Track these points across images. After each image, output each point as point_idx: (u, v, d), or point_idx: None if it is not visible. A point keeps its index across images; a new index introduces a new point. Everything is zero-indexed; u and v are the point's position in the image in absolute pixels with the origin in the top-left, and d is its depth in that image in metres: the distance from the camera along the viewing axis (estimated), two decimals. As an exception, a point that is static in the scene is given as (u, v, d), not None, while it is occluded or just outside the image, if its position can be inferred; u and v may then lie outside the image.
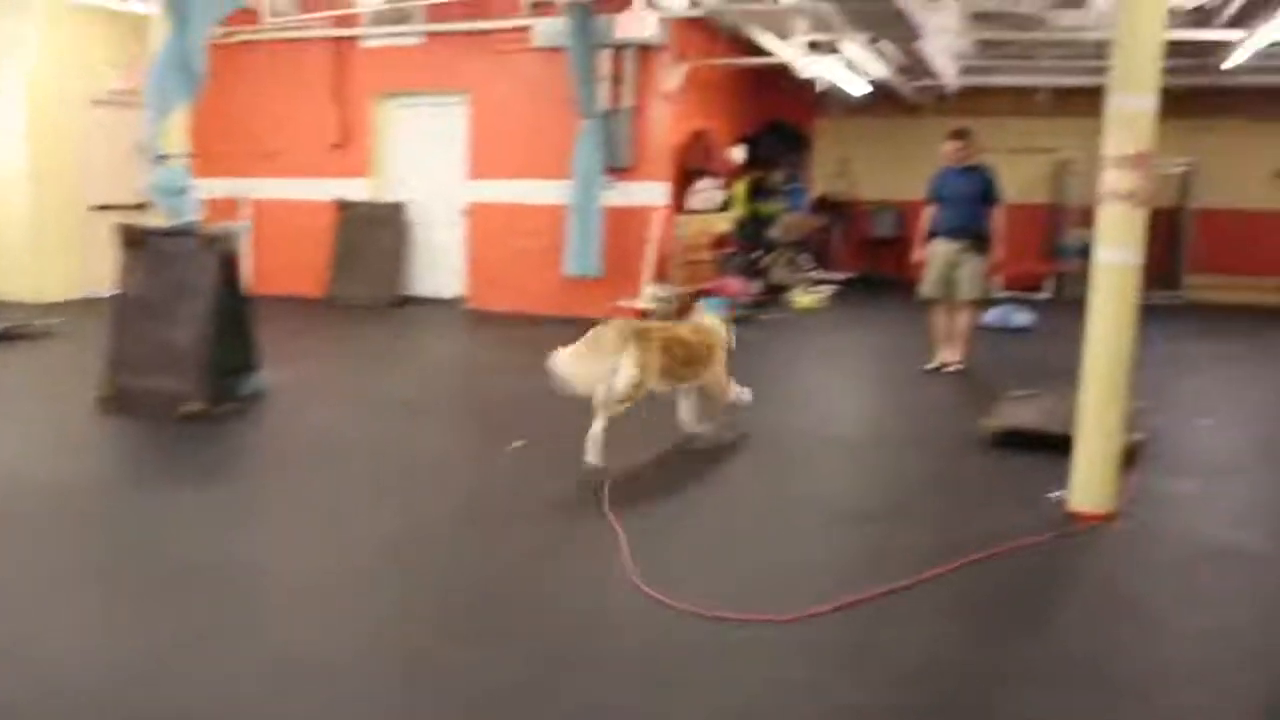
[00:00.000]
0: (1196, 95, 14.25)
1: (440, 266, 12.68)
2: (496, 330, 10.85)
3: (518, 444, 6.08)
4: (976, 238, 8.65)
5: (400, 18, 12.24)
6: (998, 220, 8.61)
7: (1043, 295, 15.63)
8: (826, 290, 14.13)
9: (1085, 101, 16.13)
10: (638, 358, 5.47)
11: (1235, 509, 5.42)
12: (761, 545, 4.74)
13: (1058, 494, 5.27)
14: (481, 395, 7.70)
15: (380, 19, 12.27)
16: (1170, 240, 15.56)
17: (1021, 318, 11.75)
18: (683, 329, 6.08)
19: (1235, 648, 3.79)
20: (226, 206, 12.85)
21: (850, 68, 13.05)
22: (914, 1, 8.92)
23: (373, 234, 12.53)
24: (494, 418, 7.02)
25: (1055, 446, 5.84)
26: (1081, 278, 15.74)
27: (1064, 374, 8.93)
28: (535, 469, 5.76)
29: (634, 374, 5.47)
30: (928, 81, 13.53)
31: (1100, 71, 15.25)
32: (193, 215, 6.80)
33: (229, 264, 6.71)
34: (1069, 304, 15.08)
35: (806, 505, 5.31)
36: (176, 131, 7.23)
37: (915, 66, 12.20)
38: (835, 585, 4.19)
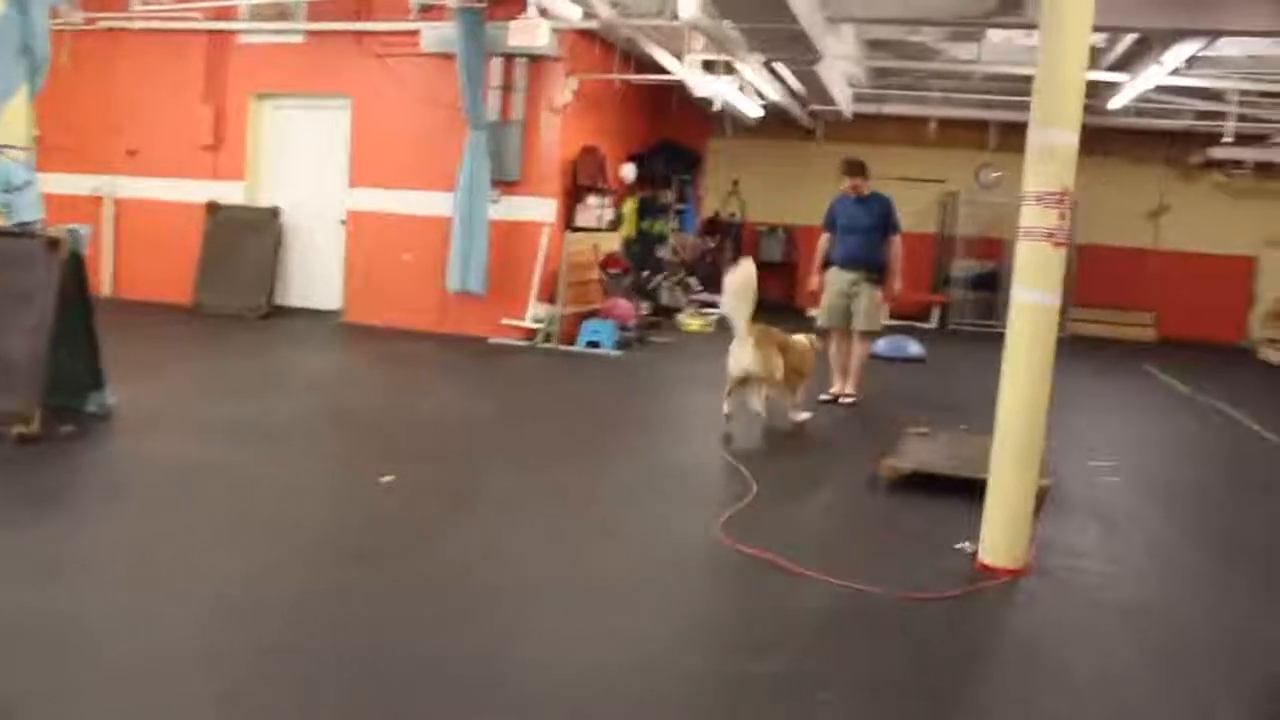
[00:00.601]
0: (1081, 134, 14.44)
1: (316, 276, 12.07)
2: (373, 346, 10.32)
3: (386, 479, 5.55)
4: (873, 268, 8.51)
5: (280, 14, 11.58)
6: (896, 249, 8.52)
7: (929, 325, 15.68)
8: (715, 314, 13.89)
9: (972, 134, 16.60)
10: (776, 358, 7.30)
11: (1138, 562, 5.19)
12: (636, 598, 4.31)
13: (967, 545, 4.97)
14: (354, 419, 7.14)
15: (259, 14, 11.58)
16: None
17: (914, 348, 11.74)
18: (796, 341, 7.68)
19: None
20: (87, 205, 12.02)
21: (745, 89, 12.87)
22: (815, 24, 8.64)
23: (245, 240, 11.82)
24: (366, 445, 6.48)
25: (962, 489, 5.73)
26: (967, 308, 16.09)
27: (960, 407, 9.18)
28: (406, 506, 5.24)
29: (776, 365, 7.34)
30: (822, 107, 13.37)
31: (989, 105, 15.65)
32: (32, 214, 6.12)
33: (72, 269, 6.03)
34: (954, 334, 15.94)
35: (698, 547, 4.90)
36: (17, 120, 6.53)
37: (810, 91, 12.00)
38: (718, 651, 3.78)
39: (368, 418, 7.16)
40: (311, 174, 12.00)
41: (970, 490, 5.70)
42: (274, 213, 11.88)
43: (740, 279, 7.35)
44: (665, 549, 4.89)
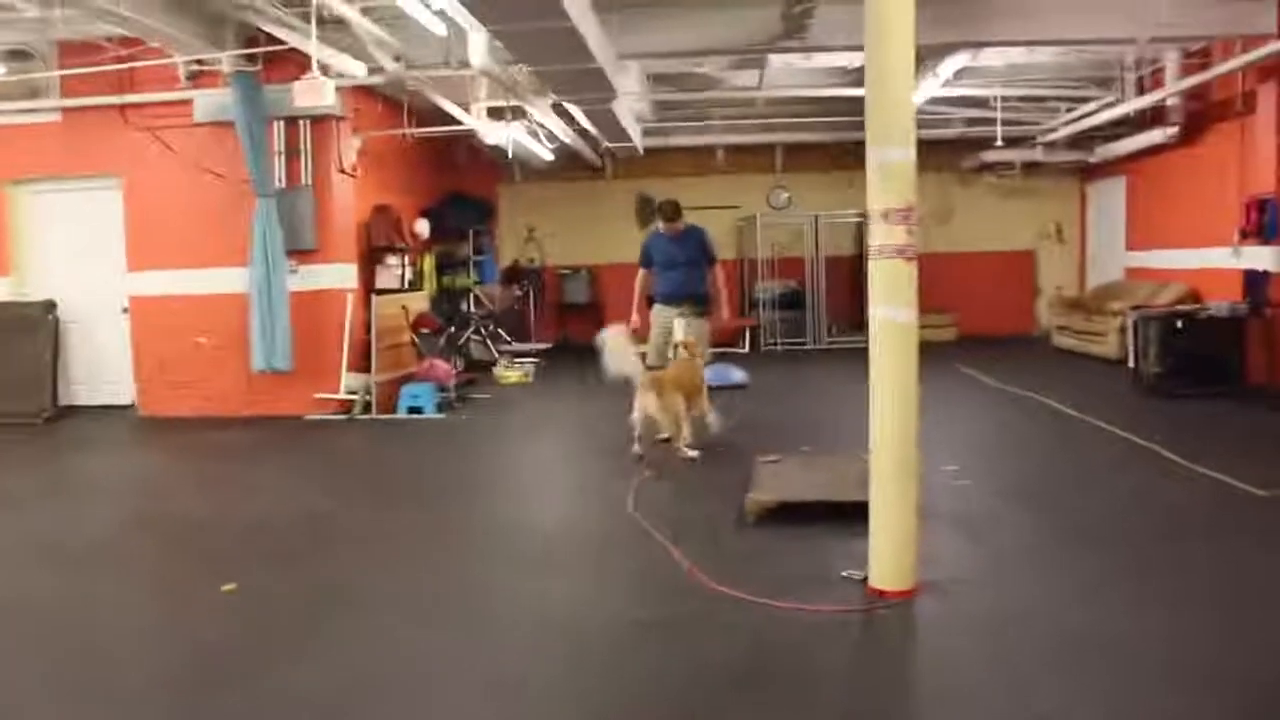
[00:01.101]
0: (859, 146, 14.90)
1: (103, 370, 11.25)
2: (177, 438, 9.67)
3: (227, 588, 5.05)
4: (696, 300, 8.50)
5: (30, 92, 10.71)
6: (719, 279, 8.61)
7: (742, 349, 15.89)
8: (529, 363, 13.73)
9: (760, 158, 16.94)
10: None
11: (1015, 568, 5.20)
12: (473, 664, 4.00)
13: (854, 573, 4.86)
14: (174, 525, 6.52)
15: (5, 93, 10.68)
16: (854, 285, 16.19)
17: (737, 374, 11.82)
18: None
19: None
20: None
21: (535, 133, 12.74)
22: (608, 62, 8.54)
23: (16, 339, 10.85)
24: (193, 554, 5.90)
25: (830, 513, 5.72)
26: (777, 328, 16.22)
27: (797, 429, 9.32)
28: (254, 619, 4.74)
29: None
30: (616, 144, 13.35)
31: (772, 129, 15.95)
32: None
33: None
34: (768, 355, 16.21)
35: (560, 611, 4.61)
36: None
37: (604, 128, 11.95)
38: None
39: (189, 522, 6.56)
40: (85, 261, 11.17)
41: (840, 513, 5.69)
42: (47, 307, 10.97)
43: (613, 345, 7.73)
44: (552, 628, 4.57)
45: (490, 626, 4.58)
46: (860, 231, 16.43)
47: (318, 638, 4.47)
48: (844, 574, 4.92)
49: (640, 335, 8.70)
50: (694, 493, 6.87)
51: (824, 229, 16.29)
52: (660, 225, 8.66)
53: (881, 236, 4.68)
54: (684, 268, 8.53)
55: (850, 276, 16.33)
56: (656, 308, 8.65)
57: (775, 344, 16.08)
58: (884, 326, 4.73)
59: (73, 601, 5.08)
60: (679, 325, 8.46)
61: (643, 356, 8.08)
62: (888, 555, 4.72)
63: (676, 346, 8.26)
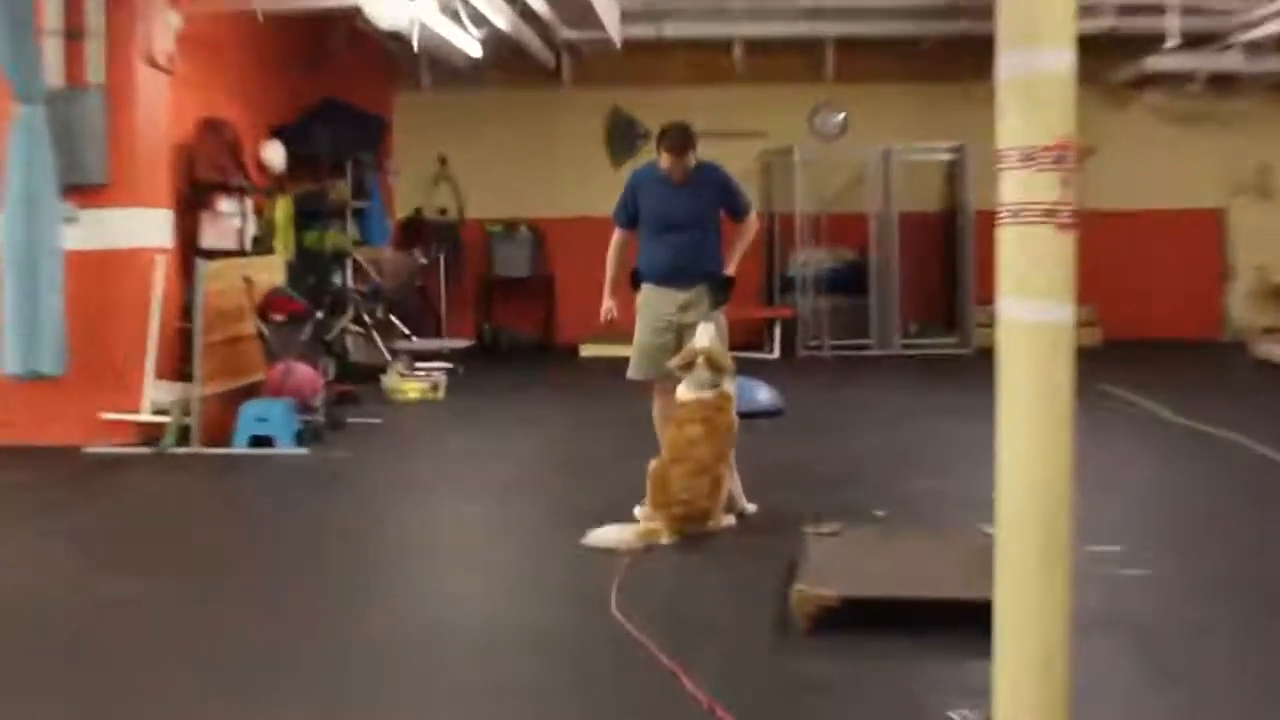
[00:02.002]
0: (955, 47, 14.84)
1: None
2: None
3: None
4: (713, 283, 8.34)
5: None
6: (749, 231, 8.53)
7: (767, 353, 15.89)
8: (439, 370, 13.72)
9: (800, 60, 16.86)
10: None
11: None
12: None
13: (968, 716, 4.82)
14: None
15: None
16: (945, 259, 16.09)
17: (764, 395, 11.81)
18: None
19: None
20: None
21: (452, 11, 12.75)
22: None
23: None
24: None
25: (921, 616, 5.72)
26: (824, 322, 16.28)
27: (858, 482, 9.36)
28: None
29: None
30: (577, 34, 13.24)
31: (819, 14, 15.92)
32: None
33: None
34: (809, 364, 16.15)
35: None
36: None
37: (562, 10, 11.84)
38: None
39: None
40: None
41: (940, 618, 5.67)
42: None
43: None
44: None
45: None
46: (955, 175, 16.36)
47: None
48: (952, 715, 4.82)
49: (619, 330, 8.78)
50: (710, 582, 6.81)
51: (898, 171, 16.27)
52: (663, 161, 8.41)
53: (1020, 190, 4.46)
54: (693, 230, 8.31)
55: (939, 245, 16.21)
56: (646, 290, 8.42)
57: (819, 346, 16.20)
58: (1019, 331, 4.50)
59: None
60: (703, 331, 8.22)
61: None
62: (1024, 691, 4.51)
63: (693, 363, 7.92)
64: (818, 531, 6.86)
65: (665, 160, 8.36)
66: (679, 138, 8.31)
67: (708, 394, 7.73)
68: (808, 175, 16.35)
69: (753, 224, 8.52)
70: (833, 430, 11.15)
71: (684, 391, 7.89)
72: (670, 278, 8.35)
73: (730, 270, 8.39)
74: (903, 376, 14.45)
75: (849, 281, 16.41)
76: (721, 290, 8.32)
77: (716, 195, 8.39)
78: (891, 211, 16.26)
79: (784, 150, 16.56)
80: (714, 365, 7.78)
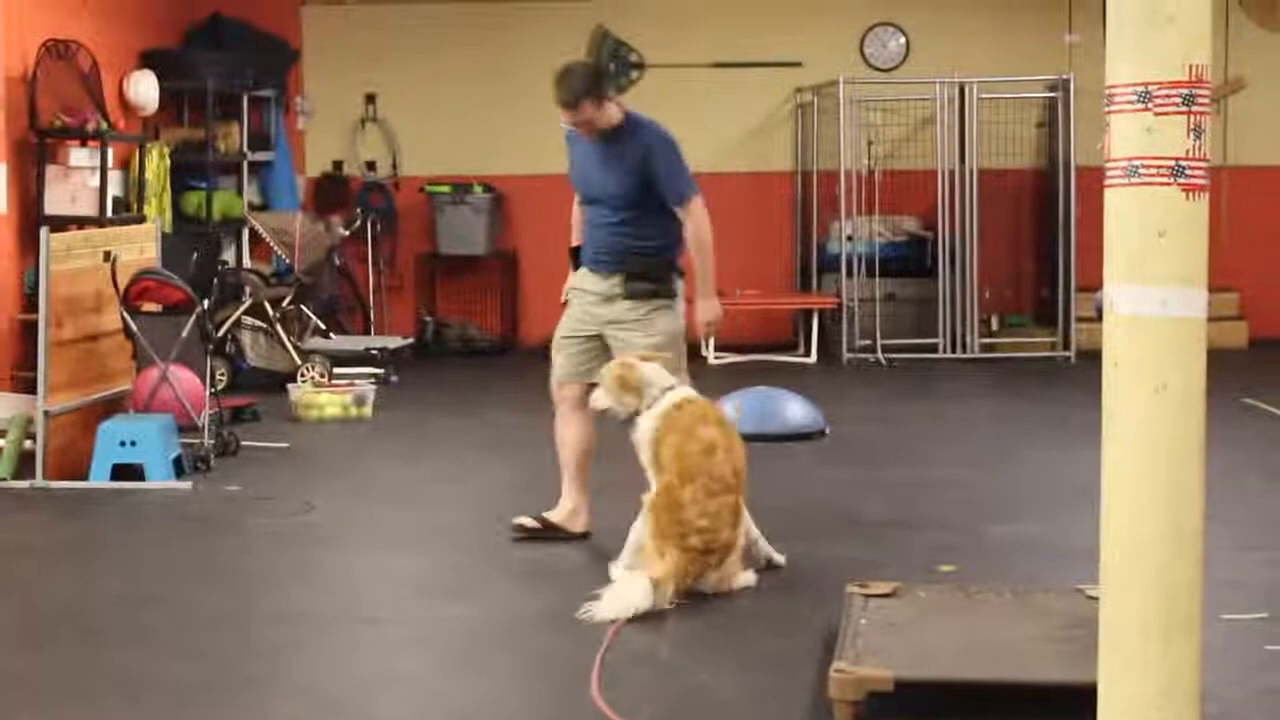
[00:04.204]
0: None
1: None
2: None
3: None
4: (646, 269, 8.63)
5: None
6: (698, 229, 8.61)
7: (801, 355, 15.95)
8: (365, 379, 13.67)
9: None
10: None
11: None
12: None
13: None
14: None
15: None
16: (1038, 233, 16.09)
17: (798, 410, 11.86)
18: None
19: None
20: None
21: None
22: None
23: None
24: None
25: (1003, 709, 5.75)
26: (878, 316, 16.36)
27: (921, 525, 9.28)
28: None
29: None
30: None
31: None
32: None
33: None
34: (857, 369, 16.26)
35: None
36: None
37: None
38: None
39: None
40: None
41: (1024, 706, 5.72)
42: None
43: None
44: None
45: None
46: (1052, 120, 16.37)
47: None
48: None
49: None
50: (721, 657, 6.80)
51: (977, 114, 16.28)
52: (562, 115, 8.70)
53: (1132, 140, 4.50)
54: (609, 204, 8.63)
55: (1031, 214, 16.26)
56: (578, 274, 8.82)
57: (871, 347, 16.23)
58: (1132, 328, 4.56)
59: None
60: (614, 334, 8.56)
61: None
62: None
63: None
64: (866, 592, 6.83)
65: (564, 114, 8.65)
66: (565, 87, 8.57)
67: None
68: (857, 119, 16.33)
69: (696, 217, 8.56)
70: (887, 459, 11.15)
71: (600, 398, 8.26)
72: (589, 260, 8.74)
73: (706, 288, 8.70)
74: (980, 387, 14.48)
75: (911, 261, 16.42)
76: (655, 281, 8.56)
77: (640, 164, 8.55)
78: (968, 168, 16.21)
79: (826, 85, 16.47)
80: (623, 385, 7.97)
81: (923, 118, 16.54)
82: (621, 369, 7.95)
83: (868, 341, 16.08)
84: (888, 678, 5.77)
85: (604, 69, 8.70)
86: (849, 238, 16.19)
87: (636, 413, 7.85)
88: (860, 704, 5.74)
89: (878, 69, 16.86)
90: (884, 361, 15.86)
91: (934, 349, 16.16)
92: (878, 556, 7.78)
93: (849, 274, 16.20)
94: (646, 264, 8.57)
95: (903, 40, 16.87)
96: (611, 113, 8.60)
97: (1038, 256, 16.63)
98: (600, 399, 8.02)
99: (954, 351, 16.12)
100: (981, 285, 16.25)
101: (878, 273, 16.26)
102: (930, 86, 16.39)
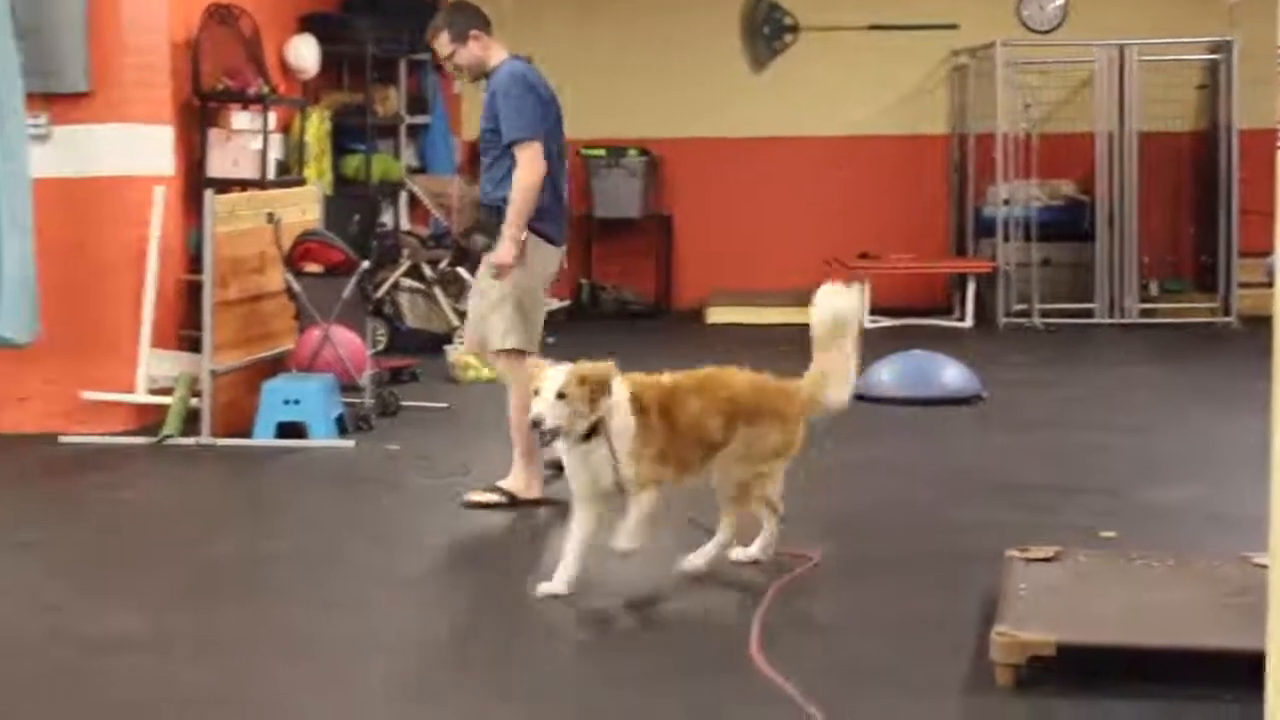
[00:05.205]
0: None
1: None
2: None
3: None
4: (481, 223, 9.12)
5: None
6: (517, 175, 8.73)
7: (957, 320, 16.03)
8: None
9: None
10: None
11: None
12: None
13: None
14: None
15: None
16: (1199, 197, 15.93)
17: (954, 374, 11.85)
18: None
19: None
20: None
21: None
22: None
23: None
24: None
25: (1169, 675, 5.68)
26: (1032, 281, 16.23)
27: (1083, 491, 9.19)
28: None
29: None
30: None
31: None
32: None
33: None
34: (1013, 335, 16.37)
35: None
36: None
37: None
38: None
39: None
40: None
41: (1192, 672, 5.65)
42: None
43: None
44: None
45: None
46: (1215, 83, 16.20)
47: None
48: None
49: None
50: (881, 619, 6.80)
51: (1137, 76, 16.13)
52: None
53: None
54: (484, 150, 9.06)
55: (1192, 178, 16.08)
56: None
57: (1028, 312, 16.17)
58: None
59: None
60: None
61: None
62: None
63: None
64: (1026, 556, 6.81)
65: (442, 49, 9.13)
66: (432, 23, 9.08)
67: None
68: (1014, 82, 16.24)
69: (521, 162, 8.67)
70: (1045, 423, 11.11)
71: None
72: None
73: (506, 229, 8.69)
74: (1140, 352, 14.41)
75: (1068, 225, 16.35)
76: (482, 233, 9.00)
77: (489, 108, 8.89)
78: (1128, 131, 16.09)
79: (982, 48, 16.46)
80: (584, 381, 6.95)
81: (1080, 80, 16.39)
82: (583, 373, 6.87)
83: (1024, 306, 15.99)
84: (1050, 642, 5.73)
85: (473, 8, 8.74)
86: (1005, 201, 16.12)
87: (593, 429, 6.88)
88: (1021, 668, 5.73)
89: (1035, 31, 16.74)
90: (1041, 326, 15.77)
91: (1091, 314, 16.06)
92: (1036, 521, 7.72)
93: (1005, 238, 16.14)
94: (485, 215, 9.02)
95: (1060, 2, 16.73)
96: (479, 55, 8.89)
97: (1197, 221, 16.48)
98: (552, 416, 6.71)
99: (1112, 316, 16.01)
100: (1140, 250, 16.11)
101: (1034, 237, 16.15)
102: (1088, 49, 16.25)
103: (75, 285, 10.64)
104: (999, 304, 16.06)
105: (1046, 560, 6.82)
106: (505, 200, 8.68)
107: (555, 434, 6.78)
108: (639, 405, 7.03)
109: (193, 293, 10.76)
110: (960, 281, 16.21)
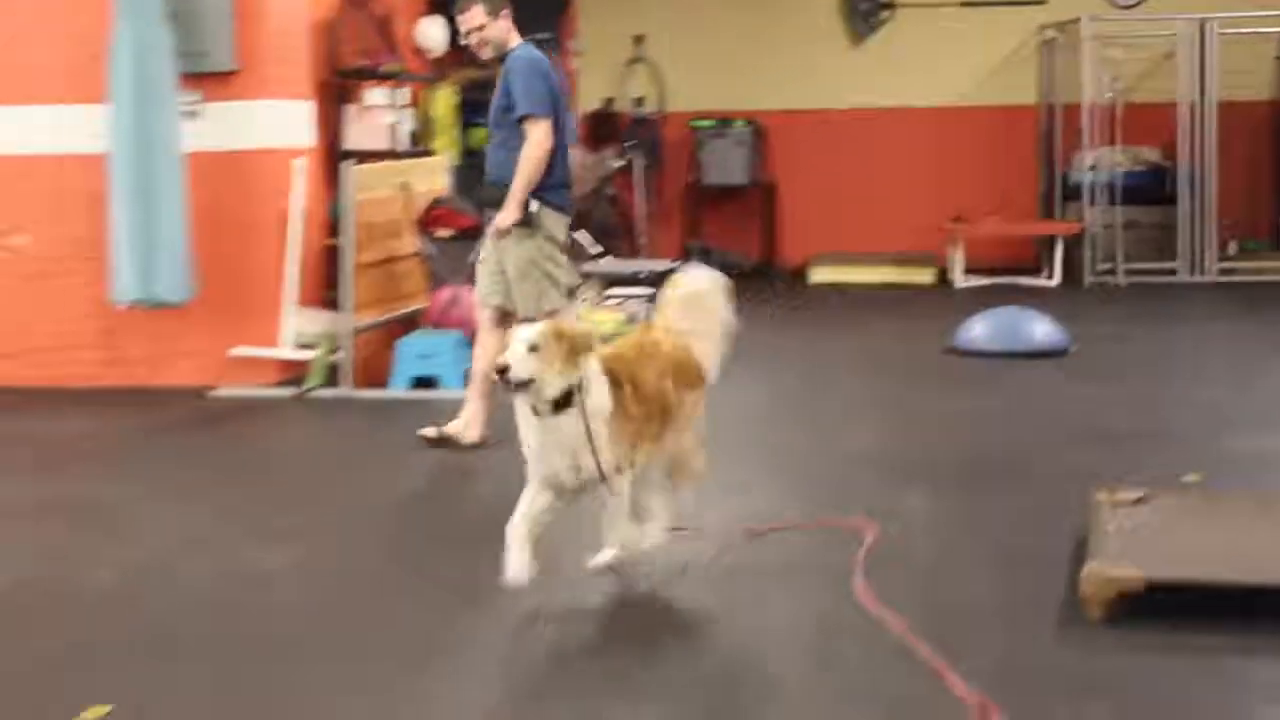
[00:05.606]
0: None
1: None
2: None
3: (91, 715, 5.06)
4: (495, 199, 9.09)
5: None
6: (525, 148, 8.91)
7: (1045, 279, 15.91)
8: (635, 299, 13.69)
9: None
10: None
11: None
12: None
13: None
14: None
15: None
16: (1276, 164, 15.81)
17: (1043, 331, 11.78)
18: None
19: None
20: None
21: None
22: None
23: None
24: (10, 650, 5.94)
25: (1252, 612, 5.67)
26: (1117, 242, 16.14)
27: (1167, 437, 9.23)
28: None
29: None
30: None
31: None
32: None
33: None
34: (1098, 292, 16.32)
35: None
36: None
37: None
38: None
39: (10, 588, 6.70)
40: None
41: (1267, 607, 5.68)
42: None
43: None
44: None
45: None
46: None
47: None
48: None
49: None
50: (977, 556, 6.82)
51: (1216, 49, 15.97)
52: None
53: None
54: (493, 129, 9.19)
55: (1270, 144, 15.90)
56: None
57: (1112, 271, 16.05)
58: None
59: None
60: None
61: None
62: None
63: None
64: (1115, 498, 6.76)
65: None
66: None
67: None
68: (1099, 56, 16.09)
69: (530, 137, 8.82)
70: (1130, 375, 11.04)
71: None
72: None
73: (511, 197, 8.80)
74: (1220, 308, 14.28)
75: (1151, 189, 16.19)
76: (497, 209, 8.97)
77: (504, 87, 9.00)
78: (1208, 100, 15.95)
79: (1069, 23, 16.31)
80: (570, 348, 6.02)
81: (1162, 52, 16.25)
82: (560, 328, 6.07)
83: (1109, 266, 15.88)
84: (1139, 578, 5.74)
85: None
86: (1091, 167, 16.02)
87: (570, 393, 5.96)
88: (1112, 603, 5.73)
89: (1119, 6, 16.60)
90: (1125, 284, 15.65)
91: (1173, 273, 15.93)
92: (1123, 466, 7.66)
93: (1091, 201, 16.02)
94: (499, 192, 8.90)
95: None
96: (505, 34, 9.08)
97: (1274, 184, 16.32)
98: (522, 365, 5.82)
99: (1192, 275, 15.89)
100: (1219, 212, 15.98)
101: (1118, 200, 16.00)
102: (1170, 23, 16.09)
103: (225, 250, 10.74)
104: (1085, 264, 15.95)
105: (1134, 502, 6.76)
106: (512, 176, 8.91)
107: (524, 386, 5.81)
108: (613, 378, 6.10)
109: (332, 256, 10.82)
110: (1048, 243, 16.10)
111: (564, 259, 9.35)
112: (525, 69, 8.93)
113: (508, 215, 8.73)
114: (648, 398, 6.25)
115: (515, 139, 8.87)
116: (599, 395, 5.98)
